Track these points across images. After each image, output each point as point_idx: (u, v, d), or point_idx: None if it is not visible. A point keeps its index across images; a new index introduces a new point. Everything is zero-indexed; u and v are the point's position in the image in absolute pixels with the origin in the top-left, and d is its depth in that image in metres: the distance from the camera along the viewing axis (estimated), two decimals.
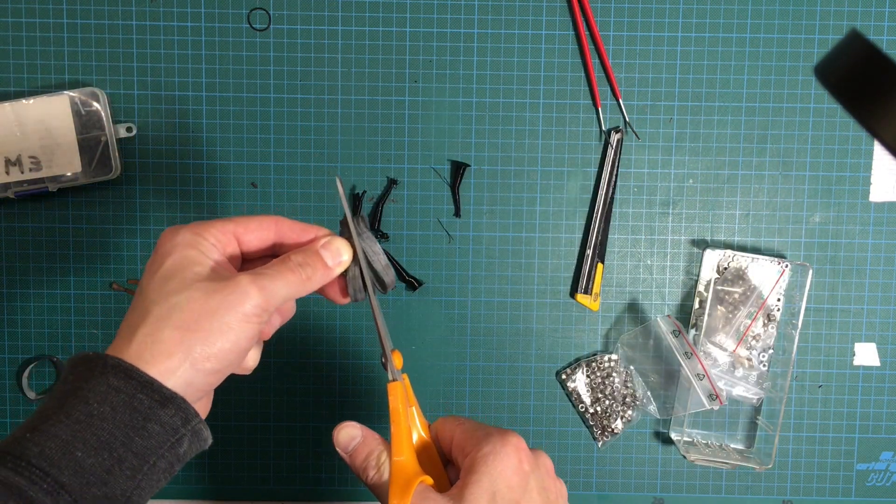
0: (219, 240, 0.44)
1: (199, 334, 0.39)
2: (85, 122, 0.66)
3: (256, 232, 0.46)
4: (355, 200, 0.69)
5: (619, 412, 0.71)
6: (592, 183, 0.70)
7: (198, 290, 0.40)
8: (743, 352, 0.70)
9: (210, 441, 0.42)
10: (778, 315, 0.71)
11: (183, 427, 0.39)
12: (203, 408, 0.44)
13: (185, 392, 0.39)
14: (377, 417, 0.71)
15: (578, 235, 0.71)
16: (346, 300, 0.49)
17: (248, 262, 0.47)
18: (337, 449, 0.47)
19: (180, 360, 0.39)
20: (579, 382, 0.71)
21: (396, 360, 0.49)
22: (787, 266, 0.70)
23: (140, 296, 0.41)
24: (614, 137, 0.69)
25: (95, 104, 0.66)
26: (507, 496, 0.43)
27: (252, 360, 0.46)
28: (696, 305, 0.71)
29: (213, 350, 0.39)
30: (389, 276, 0.49)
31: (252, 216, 0.46)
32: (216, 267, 0.42)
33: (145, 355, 0.39)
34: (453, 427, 0.47)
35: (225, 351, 0.40)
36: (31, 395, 0.70)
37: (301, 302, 0.70)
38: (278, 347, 0.70)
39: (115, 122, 0.68)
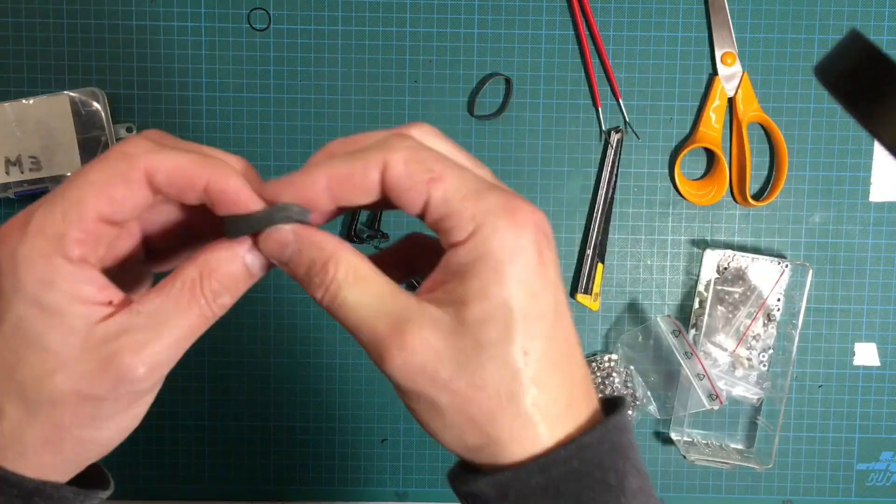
0: (81, 242, 0.29)
1: (80, 443, 0.30)
2: (85, 123, 0.66)
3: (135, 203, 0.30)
4: None
5: None
6: (592, 183, 0.70)
7: (68, 382, 0.29)
8: (743, 352, 0.70)
9: (108, 494, 0.33)
10: (778, 315, 0.71)
11: None
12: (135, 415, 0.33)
13: (68, 471, 0.31)
14: (378, 417, 0.71)
15: (578, 235, 0.71)
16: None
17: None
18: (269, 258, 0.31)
19: (55, 458, 0.30)
20: None
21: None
22: (787, 266, 0.70)
23: None
24: (614, 137, 0.69)
25: (95, 104, 0.66)
26: (528, 311, 0.29)
27: None
28: (696, 305, 0.71)
29: (101, 450, 0.31)
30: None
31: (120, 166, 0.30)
32: (93, 314, 0.29)
33: (8, 454, 0.30)
34: (425, 181, 0.29)
35: (115, 441, 0.31)
36: None
37: (301, 302, 0.70)
38: (278, 347, 0.70)
39: (115, 122, 0.68)
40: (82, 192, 0.29)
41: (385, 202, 0.31)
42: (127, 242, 0.33)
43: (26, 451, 0.30)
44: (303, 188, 0.29)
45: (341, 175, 0.29)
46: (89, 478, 0.33)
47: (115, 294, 0.30)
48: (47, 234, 0.28)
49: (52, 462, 0.30)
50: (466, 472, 0.31)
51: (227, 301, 0.31)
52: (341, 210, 0.31)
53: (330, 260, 0.30)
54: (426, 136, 0.31)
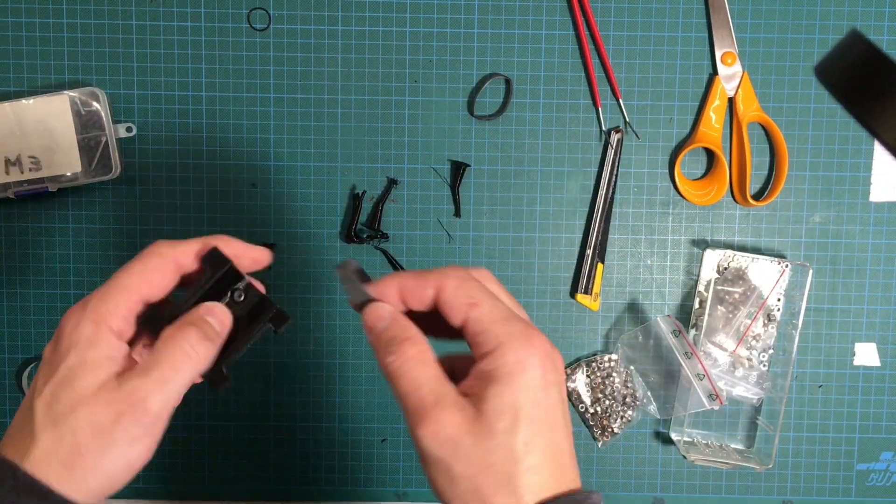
0: (126, 321, 0.41)
1: (93, 470, 0.39)
2: (85, 122, 0.66)
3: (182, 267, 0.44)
4: (355, 200, 0.69)
5: (619, 412, 0.71)
6: (592, 183, 0.70)
7: (91, 408, 0.39)
8: (743, 352, 0.70)
9: None
10: (778, 315, 0.71)
11: None
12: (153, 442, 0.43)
13: (94, 491, 0.39)
14: (377, 417, 0.71)
15: (578, 235, 0.71)
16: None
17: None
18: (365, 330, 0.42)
19: (79, 478, 0.38)
20: (579, 382, 0.71)
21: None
22: (787, 266, 0.70)
23: (30, 404, 0.40)
24: (614, 137, 0.69)
25: (95, 104, 0.66)
26: (531, 414, 0.38)
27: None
28: (697, 305, 0.71)
29: (113, 482, 0.39)
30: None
31: (147, 262, 0.43)
32: (115, 371, 0.40)
33: (41, 468, 0.38)
34: (467, 304, 0.40)
35: (127, 468, 0.40)
36: None
37: (301, 302, 0.70)
38: (278, 347, 0.70)
39: (115, 121, 0.68)
40: (129, 281, 0.42)
41: (438, 317, 0.41)
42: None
43: (50, 472, 0.38)
44: (380, 289, 0.41)
45: (407, 286, 0.41)
46: None
47: (127, 356, 0.42)
48: (99, 312, 0.41)
49: (75, 487, 0.38)
50: None
51: (212, 357, 0.42)
52: (409, 310, 0.42)
53: (409, 340, 0.40)
54: (482, 277, 0.42)
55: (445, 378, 0.39)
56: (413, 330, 0.40)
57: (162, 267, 0.43)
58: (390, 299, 0.41)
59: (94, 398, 0.39)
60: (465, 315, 0.40)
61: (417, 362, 0.39)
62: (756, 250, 0.71)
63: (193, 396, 0.70)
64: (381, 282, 0.41)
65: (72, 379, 0.39)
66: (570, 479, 0.39)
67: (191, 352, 0.41)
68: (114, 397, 0.39)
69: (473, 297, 0.40)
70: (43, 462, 0.38)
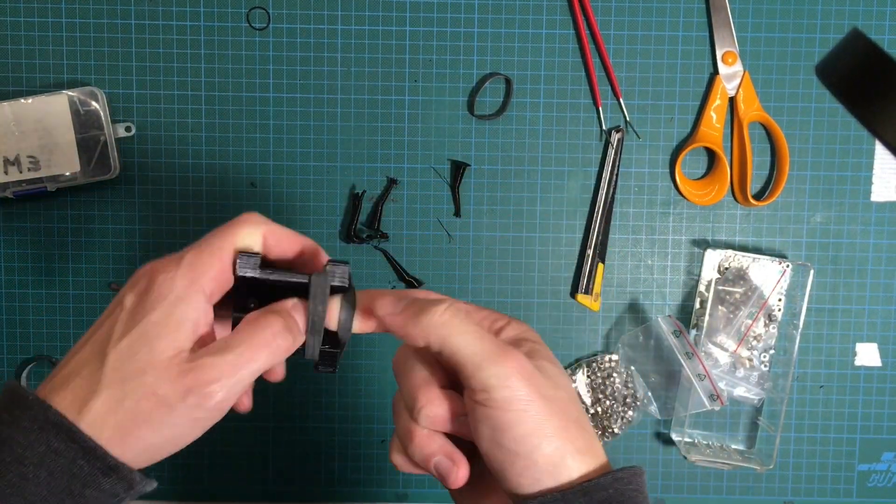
0: (217, 282, 0.39)
1: (142, 443, 0.37)
2: (84, 122, 0.66)
3: (273, 248, 0.41)
4: (355, 200, 0.69)
5: (619, 413, 0.71)
6: (593, 183, 0.70)
7: (154, 383, 0.36)
8: (744, 352, 0.70)
9: (155, 485, 0.40)
10: (779, 315, 0.70)
11: (125, 493, 0.37)
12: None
13: (136, 459, 0.37)
14: (377, 418, 0.71)
15: (579, 235, 0.70)
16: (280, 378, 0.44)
17: None
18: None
19: (128, 444, 0.37)
20: (580, 383, 0.71)
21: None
22: (788, 266, 0.70)
23: (101, 345, 0.37)
24: (615, 137, 0.69)
25: (94, 103, 0.66)
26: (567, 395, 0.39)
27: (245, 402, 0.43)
28: (697, 305, 0.70)
29: (156, 456, 0.38)
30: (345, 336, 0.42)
31: (241, 227, 0.40)
32: (195, 338, 0.38)
33: (96, 424, 0.36)
34: (455, 345, 0.38)
35: (174, 443, 0.38)
36: None
37: None
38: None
39: (114, 121, 0.68)
40: (223, 243, 0.39)
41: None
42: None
43: (104, 430, 0.36)
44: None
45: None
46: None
47: (209, 332, 0.39)
48: (195, 268, 0.38)
49: (121, 452, 0.36)
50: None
51: (288, 354, 0.40)
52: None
53: (441, 301, 0.39)
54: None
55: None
56: (433, 294, 0.41)
57: (253, 235, 0.40)
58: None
59: (167, 366, 0.36)
60: (456, 352, 0.39)
61: (463, 318, 0.39)
62: (757, 250, 0.70)
63: None
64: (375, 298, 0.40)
65: (153, 337, 0.37)
66: (598, 447, 0.39)
67: (271, 342, 0.38)
68: (185, 371, 0.36)
69: (460, 327, 0.39)
70: (98, 420, 0.36)
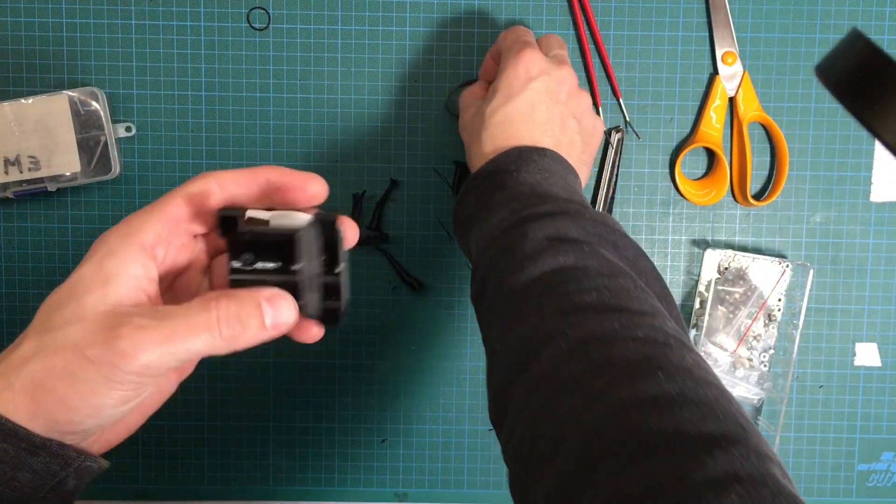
0: (160, 236, 0.37)
1: (54, 396, 0.33)
2: (84, 122, 0.66)
3: (228, 193, 0.38)
4: (355, 200, 0.69)
5: None
6: (593, 182, 0.70)
7: (75, 334, 0.34)
8: (744, 352, 0.70)
9: (107, 465, 0.37)
10: (779, 315, 0.70)
11: (63, 470, 0.34)
12: (142, 412, 0.39)
13: (59, 427, 0.34)
14: (377, 417, 0.71)
15: None
16: (318, 336, 0.41)
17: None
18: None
19: (31, 405, 0.34)
20: None
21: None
22: (787, 266, 0.70)
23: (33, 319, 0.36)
24: (615, 137, 0.69)
25: (94, 104, 0.66)
26: (499, 95, 0.55)
27: (165, 391, 0.40)
28: (697, 305, 0.70)
29: (73, 416, 0.34)
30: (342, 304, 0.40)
31: (189, 183, 0.38)
32: (136, 295, 0.35)
33: (8, 374, 0.34)
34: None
35: (93, 409, 0.34)
36: None
37: None
38: (278, 347, 0.70)
39: (115, 121, 0.68)
40: (169, 197, 0.37)
41: None
42: (188, 255, 0.40)
43: (13, 384, 0.33)
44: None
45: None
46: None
47: (154, 293, 0.37)
48: (130, 223, 0.37)
49: (34, 413, 0.33)
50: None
51: (238, 345, 0.36)
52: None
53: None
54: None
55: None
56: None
57: (242, 180, 0.38)
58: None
59: (94, 319, 0.34)
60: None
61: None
62: (757, 250, 0.70)
63: (193, 397, 0.70)
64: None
65: (81, 291, 0.35)
66: (523, 137, 0.56)
67: (214, 326, 0.35)
68: (112, 325, 0.33)
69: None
70: (12, 369, 0.34)
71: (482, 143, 0.55)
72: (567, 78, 0.58)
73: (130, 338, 0.33)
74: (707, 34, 0.69)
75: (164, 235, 0.37)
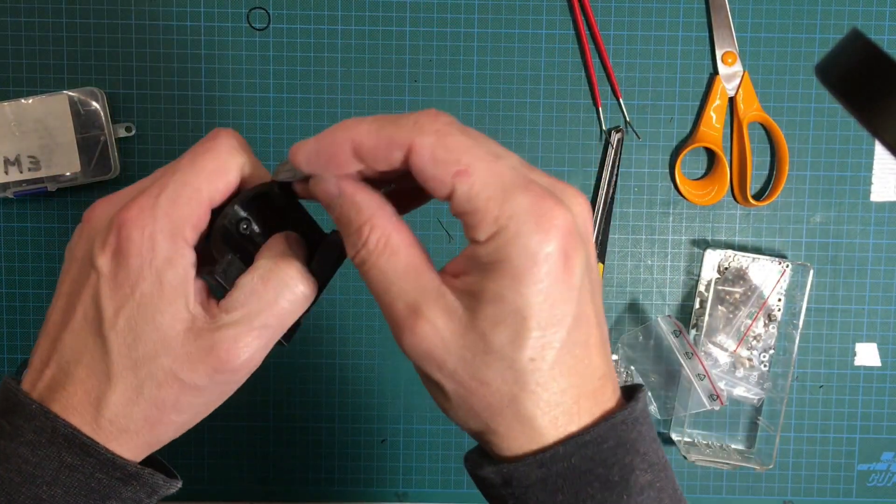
0: (198, 230, 0.33)
1: (173, 427, 0.33)
2: (84, 122, 0.66)
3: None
4: None
5: None
6: (593, 183, 0.70)
7: (171, 364, 0.31)
8: (744, 352, 0.70)
9: (180, 485, 0.35)
10: (779, 315, 0.70)
11: (148, 498, 0.33)
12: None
13: (143, 454, 0.33)
14: (377, 417, 0.71)
15: None
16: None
17: None
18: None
19: (146, 438, 0.33)
20: None
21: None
22: (787, 266, 0.70)
23: (93, 325, 0.32)
24: (615, 137, 0.69)
25: (94, 104, 0.66)
26: (544, 319, 0.28)
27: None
28: (697, 305, 0.70)
29: (191, 420, 0.34)
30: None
31: (217, 157, 0.34)
32: (197, 298, 0.33)
33: (105, 428, 0.32)
34: (451, 173, 0.29)
35: (201, 416, 0.34)
36: None
37: None
38: (278, 347, 0.70)
39: (115, 121, 0.68)
40: (199, 180, 0.32)
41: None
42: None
43: (129, 427, 0.32)
44: (324, 145, 0.32)
45: (364, 147, 0.30)
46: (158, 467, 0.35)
47: (202, 286, 0.34)
48: (172, 218, 0.31)
49: (146, 442, 0.32)
50: (479, 456, 0.33)
51: (305, 290, 0.34)
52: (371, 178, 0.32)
53: (365, 224, 0.31)
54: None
55: (424, 267, 0.30)
56: (371, 205, 0.31)
57: (227, 166, 0.34)
58: (340, 160, 0.32)
59: (180, 343, 0.31)
60: (450, 189, 0.29)
61: (381, 253, 0.30)
62: (757, 250, 0.70)
63: None
64: (326, 137, 0.32)
65: (152, 312, 0.31)
66: (594, 391, 0.31)
67: (297, 292, 0.33)
68: (204, 350, 0.31)
69: (460, 161, 0.28)
70: (121, 416, 0.31)
71: (519, 412, 0.30)
72: (588, 232, 0.32)
73: (232, 351, 0.32)
74: (707, 34, 0.69)
75: (199, 227, 0.33)
